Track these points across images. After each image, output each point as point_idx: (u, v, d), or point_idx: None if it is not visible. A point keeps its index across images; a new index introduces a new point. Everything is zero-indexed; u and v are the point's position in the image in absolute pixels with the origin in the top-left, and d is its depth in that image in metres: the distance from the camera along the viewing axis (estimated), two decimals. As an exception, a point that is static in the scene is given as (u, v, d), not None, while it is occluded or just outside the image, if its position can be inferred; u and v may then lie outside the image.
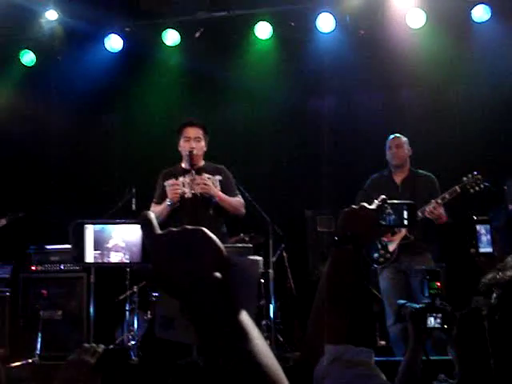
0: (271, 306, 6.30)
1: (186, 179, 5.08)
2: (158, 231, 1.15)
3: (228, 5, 7.39)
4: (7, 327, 6.32)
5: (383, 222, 1.87)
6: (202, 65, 7.71)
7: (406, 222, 1.90)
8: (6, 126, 8.40)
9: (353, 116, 7.73)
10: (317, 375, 1.68)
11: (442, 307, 2.81)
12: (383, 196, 1.87)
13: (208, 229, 1.15)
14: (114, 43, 7.65)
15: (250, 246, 5.56)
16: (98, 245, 1.42)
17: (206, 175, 5.11)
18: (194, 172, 4.99)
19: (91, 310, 6.19)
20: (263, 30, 7.37)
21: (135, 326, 6.17)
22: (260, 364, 1.01)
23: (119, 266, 1.44)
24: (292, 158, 7.74)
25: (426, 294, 2.89)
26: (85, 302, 6.34)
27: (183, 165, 5.26)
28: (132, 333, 6.14)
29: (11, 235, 6.19)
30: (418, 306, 2.84)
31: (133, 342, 6.04)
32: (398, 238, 5.53)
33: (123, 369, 5.41)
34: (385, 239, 5.54)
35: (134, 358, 5.91)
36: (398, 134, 5.85)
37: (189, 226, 1.13)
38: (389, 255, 5.54)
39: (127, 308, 6.31)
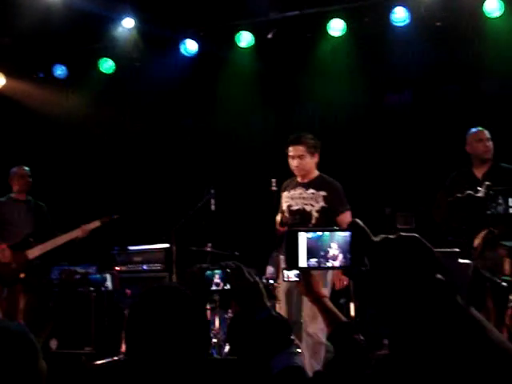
0: (351, 305, 6.24)
1: (296, 192, 5.38)
2: (374, 238, 1.25)
3: (300, 4, 7.38)
4: (92, 326, 6.52)
5: (490, 212, 1.78)
6: (276, 65, 7.73)
7: (511, 210, 1.81)
8: (86, 132, 8.68)
9: (430, 110, 7.55)
10: None
11: None
12: (488, 182, 1.77)
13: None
14: (189, 47, 7.77)
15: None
16: (315, 253, 1.51)
17: (311, 190, 5.34)
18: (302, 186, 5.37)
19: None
20: (336, 27, 7.31)
21: (216, 324, 6.25)
22: (505, 349, 1.14)
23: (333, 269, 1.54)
24: (370, 155, 7.64)
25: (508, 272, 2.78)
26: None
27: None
28: (213, 331, 6.22)
29: (97, 236, 6.36)
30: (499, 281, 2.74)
31: (214, 340, 6.12)
32: (482, 233, 5.34)
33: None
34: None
35: (215, 355, 5.99)
36: (480, 127, 5.68)
37: (403, 233, 1.20)
38: (472, 250, 5.36)
39: (208, 307, 6.39)
